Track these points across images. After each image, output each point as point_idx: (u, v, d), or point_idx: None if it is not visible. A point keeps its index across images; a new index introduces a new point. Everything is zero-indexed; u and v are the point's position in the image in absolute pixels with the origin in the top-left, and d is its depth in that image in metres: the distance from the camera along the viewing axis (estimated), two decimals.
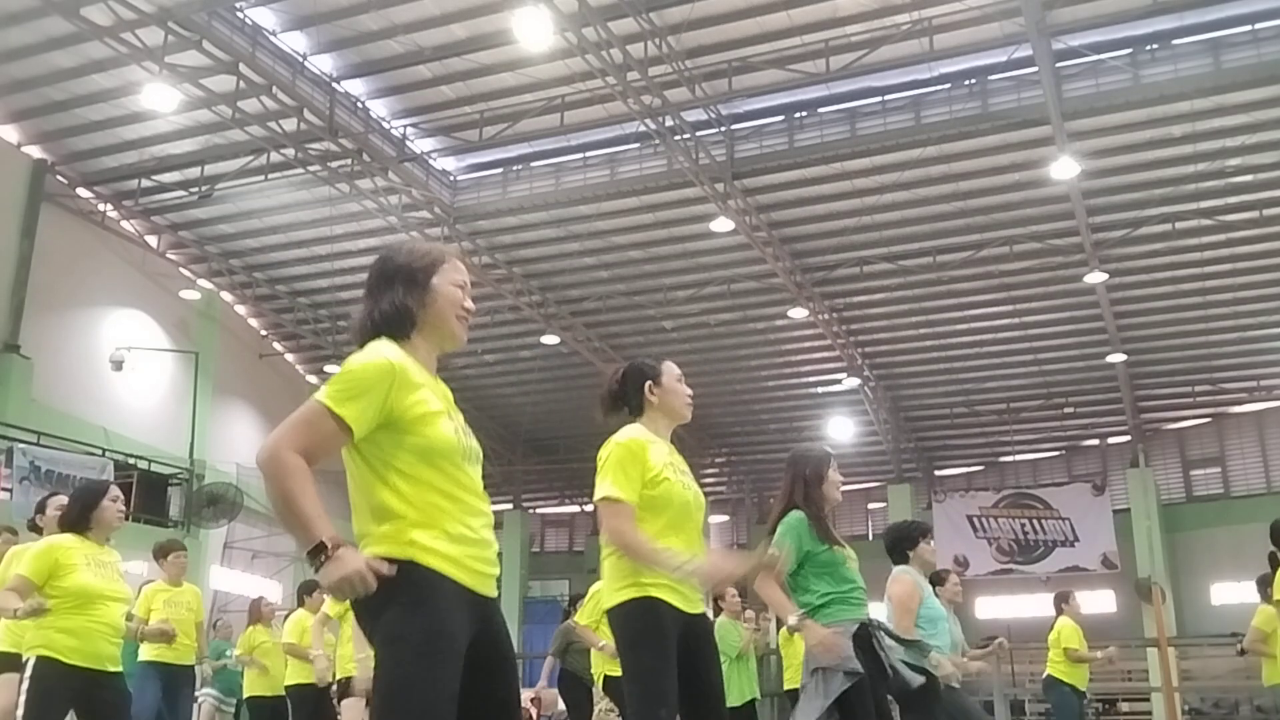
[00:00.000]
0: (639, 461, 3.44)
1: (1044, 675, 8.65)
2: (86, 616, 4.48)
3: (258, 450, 2.32)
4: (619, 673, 6.21)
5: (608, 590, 3.49)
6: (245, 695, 8.94)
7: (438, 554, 2.38)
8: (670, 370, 3.71)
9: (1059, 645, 8.51)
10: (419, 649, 2.29)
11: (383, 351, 2.45)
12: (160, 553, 7.08)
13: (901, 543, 5.64)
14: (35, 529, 5.56)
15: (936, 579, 6.77)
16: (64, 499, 5.20)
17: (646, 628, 3.35)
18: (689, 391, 3.74)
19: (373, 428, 2.40)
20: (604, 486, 3.41)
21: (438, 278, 2.61)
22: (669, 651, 3.33)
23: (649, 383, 3.63)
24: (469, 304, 2.67)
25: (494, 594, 2.54)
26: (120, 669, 4.69)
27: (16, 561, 5.06)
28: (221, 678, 10.81)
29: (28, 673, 4.41)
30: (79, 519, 4.66)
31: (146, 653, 6.91)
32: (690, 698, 3.36)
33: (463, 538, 2.43)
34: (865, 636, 4.38)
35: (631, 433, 3.54)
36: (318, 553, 2.24)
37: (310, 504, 2.27)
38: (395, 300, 2.56)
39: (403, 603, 2.32)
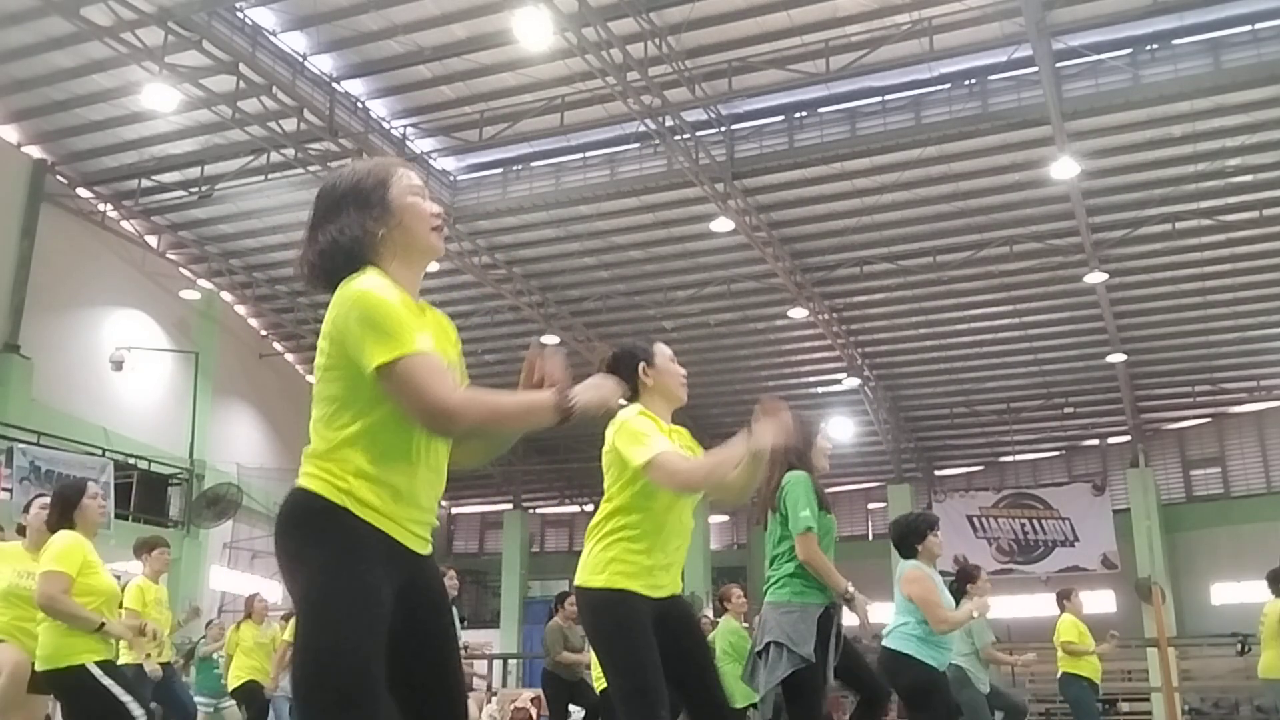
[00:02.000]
0: (656, 428, 3.39)
1: (1058, 674, 8.63)
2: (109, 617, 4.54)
3: (435, 417, 2.19)
4: None
5: (582, 572, 3.41)
6: (230, 687, 8.91)
7: (370, 507, 2.23)
8: (662, 351, 3.62)
9: (1061, 640, 8.52)
10: (339, 603, 2.15)
11: (378, 283, 2.25)
12: (145, 548, 7.02)
13: (910, 536, 5.60)
14: (22, 530, 5.51)
15: (968, 576, 6.78)
16: (48, 498, 5.20)
17: (620, 619, 3.29)
18: (683, 371, 3.65)
19: None
20: (642, 452, 3.26)
21: (394, 190, 2.37)
22: (650, 642, 3.26)
23: (642, 364, 3.55)
24: (434, 207, 2.42)
25: (426, 551, 2.38)
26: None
27: (12, 558, 5.03)
28: (203, 680, 10.76)
29: (95, 673, 4.36)
30: (61, 519, 4.63)
31: (130, 656, 6.88)
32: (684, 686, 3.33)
33: (406, 497, 2.29)
34: (827, 620, 4.36)
35: (636, 410, 3.46)
36: (562, 414, 2.25)
37: (508, 398, 2.25)
38: (352, 226, 2.32)
39: (323, 548, 2.20)
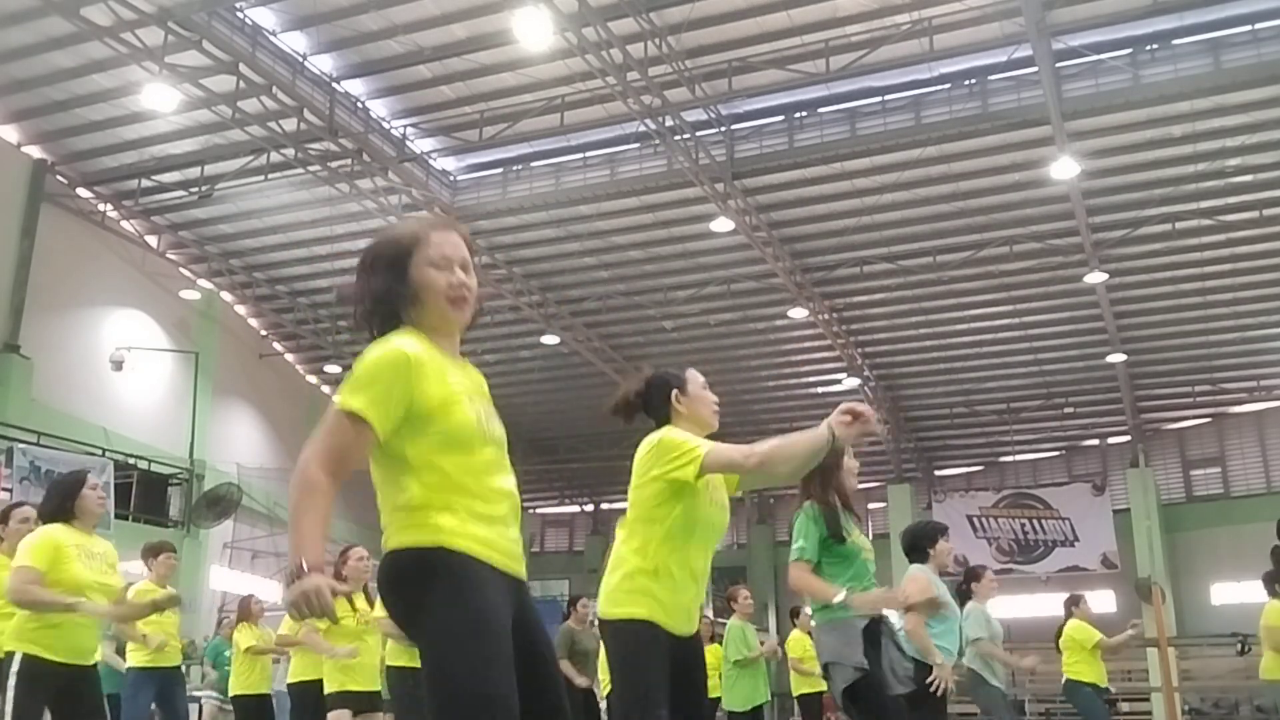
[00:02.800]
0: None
1: (1063, 680, 8.60)
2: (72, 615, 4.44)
3: (300, 461, 2.30)
4: None
5: (606, 601, 3.40)
6: (231, 694, 8.93)
7: (467, 536, 2.30)
8: (695, 378, 3.61)
9: (1073, 649, 8.46)
10: (468, 635, 2.21)
11: (397, 343, 2.37)
12: (151, 553, 7.03)
13: (922, 540, 5.70)
14: None
15: (973, 575, 6.83)
16: (29, 510, 5.14)
17: (640, 648, 3.28)
18: (715, 399, 3.64)
19: (398, 420, 2.32)
20: (688, 462, 3.27)
21: (415, 262, 2.46)
22: (662, 674, 3.26)
23: (675, 392, 3.55)
24: (458, 278, 2.48)
25: (524, 575, 2.46)
26: (96, 661, 4.66)
27: None
28: (221, 679, 10.82)
29: (13, 668, 4.34)
30: (60, 509, 4.61)
31: (137, 659, 6.90)
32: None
33: (490, 521, 2.36)
34: (875, 633, 4.41)
35: (673, 429, 3.45)
36: (296, 573, 2.19)
37: (310, 525, 2.23)
38: (379, 292, 2.46)
39: (439, 590, 2.25)
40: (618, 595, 3.35)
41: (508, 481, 2.47)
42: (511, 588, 2.37)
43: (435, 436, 2.35)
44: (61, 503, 4.63)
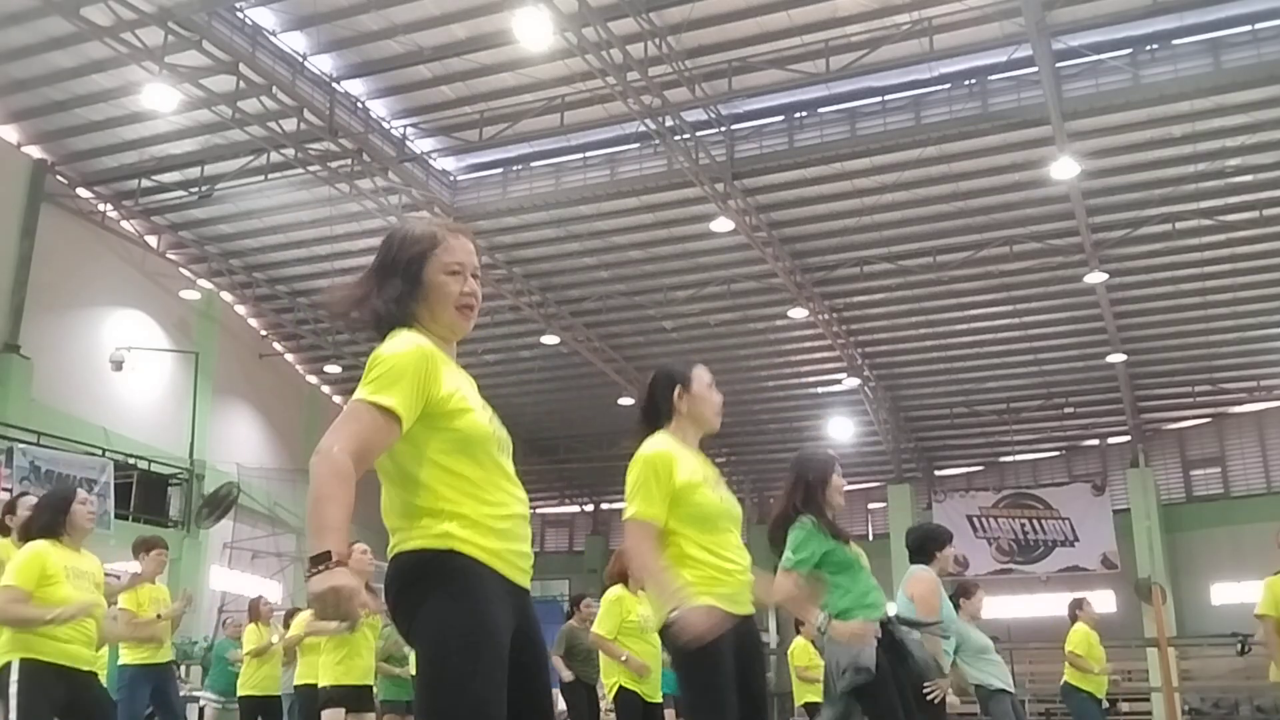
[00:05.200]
0: (665, 477, 3.35)
1: (1061, 683, 8.66)
2: (66, 628, 4.45)
3: (319, 447, 2.22)
4: (634, 686, 6.15)
5: (659, 608, 3.38)
6: (239, 694, 8.93)
7: (475, 544, 2.30)
8: (700, 376, 3.57)
9: (1068, 650, 8.52)
10: (464, 643, 2.21)
11: (413, 339, 2.37)
12: (143, 547, 7.04)
13: (929, 543, 5.68)
14: (3, 529, 5.46)
15: (964, 591, 6.81)
16: (33, 498, 5.17)
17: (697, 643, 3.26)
18: (719, 399, 3.61)
19: (417, 415, 2.31)
20: (629, 508, 3.36)
21: (429, 268, 2.47)
22: (723, 665, 3.26)
23: (678, 388, 3.52)
24: (468, 287, 2.50)
25: (528, 586, 2.46)
26: (96, 670, 4.67)
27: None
28: (216, 679, 10.79)
29: (13, 676, 4.34)
30: (51, 524, 4.62)
31: (130, 656, 6.91)
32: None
33: (500, 530, 2.35)
34: (885, 633, 4.40)
35: (657, 445, 3.42)
36: (320, 561, 2.11)
37: (337, 511, 2.16)
38: (392, 294, 2.45)
39: (442, 594, 2.25)
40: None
41: (518, 491, 2.47)
42: (516, 598, 2.37)
43: (449, 437, 2.35)
44: (53, 518, 4.63)
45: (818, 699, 8.83)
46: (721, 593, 3.31)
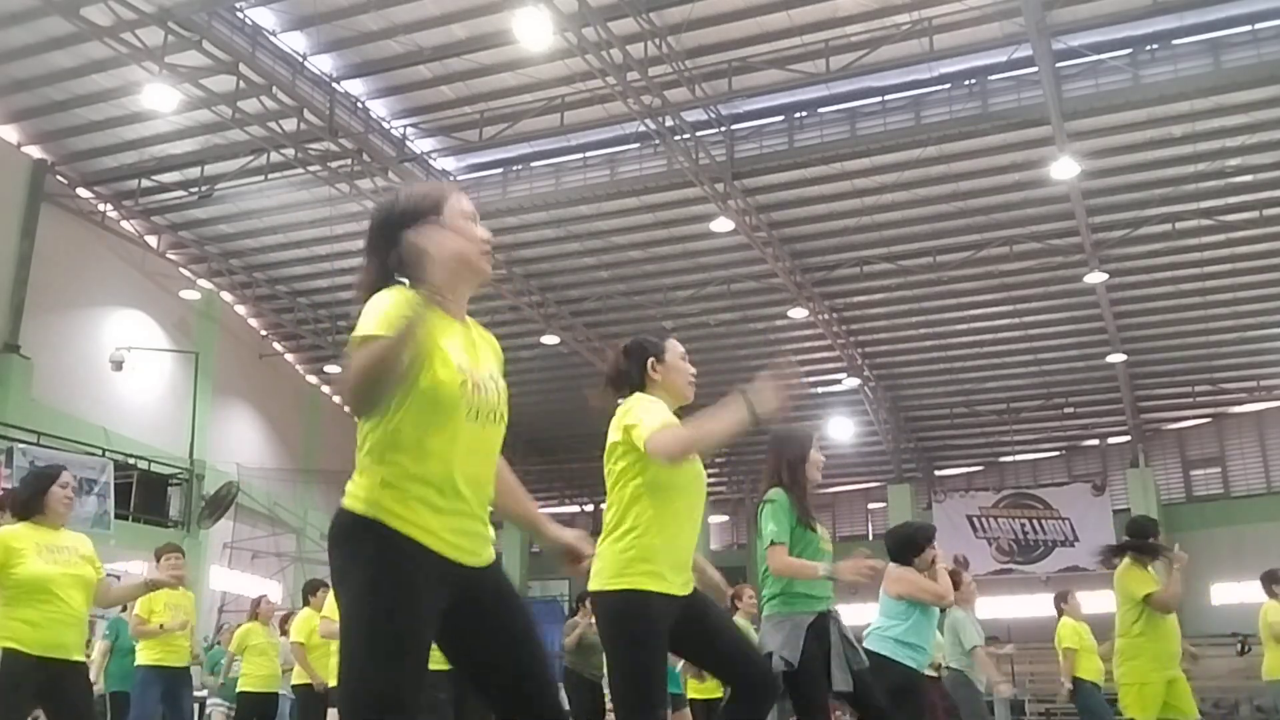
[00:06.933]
0: (663, 409, 3.38)
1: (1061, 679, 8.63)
2: (46, 605, 4.38)
3: (343, 384, 2.14)
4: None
5: (596, 577, 3.40)
6: (237, 690, 8.94)
7: (407, 520, 2.20)
8: (674, 348, 3.61)
9: (1063, 647, 8.50)
10: (373, 616, 2.14)
11: (400, 290, 2.25)
12: (157, 555, 7.08)
13: (908, 548, 5.61)
14: None
15: (952, 579, 6.79)
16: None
17: (635, 621, 3.31)
18: (692, 371, 3.64)
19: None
20: (643, 430, 3.27)
21: (448, 213, 2.46)
22: (660, 647, 3.30)
23: (651, 359, 3.56)
24: (484, 232, 2.49)
25: (482, 562, 2.33)
26: (84, 658, 4.65)
27: None
28: (227, 687, 10.78)
29: None
30: (29, 503, 4.58)
31: (145, 657, 6.93)
32: (719, 656, 3.44)
33: (445, 507, 2.24)
34: (822, 626, 4.37)
35: (643, 397, 3.46)
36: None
37: (381, 347, 2.08)
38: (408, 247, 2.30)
39: (362, 563, 2.19)
40: None
41: (487, 465, 2.37)
42: (456, 576, 2.25)
43: (416, 395, 2.22)
44: (31, 496, 4.60)
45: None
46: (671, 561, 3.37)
